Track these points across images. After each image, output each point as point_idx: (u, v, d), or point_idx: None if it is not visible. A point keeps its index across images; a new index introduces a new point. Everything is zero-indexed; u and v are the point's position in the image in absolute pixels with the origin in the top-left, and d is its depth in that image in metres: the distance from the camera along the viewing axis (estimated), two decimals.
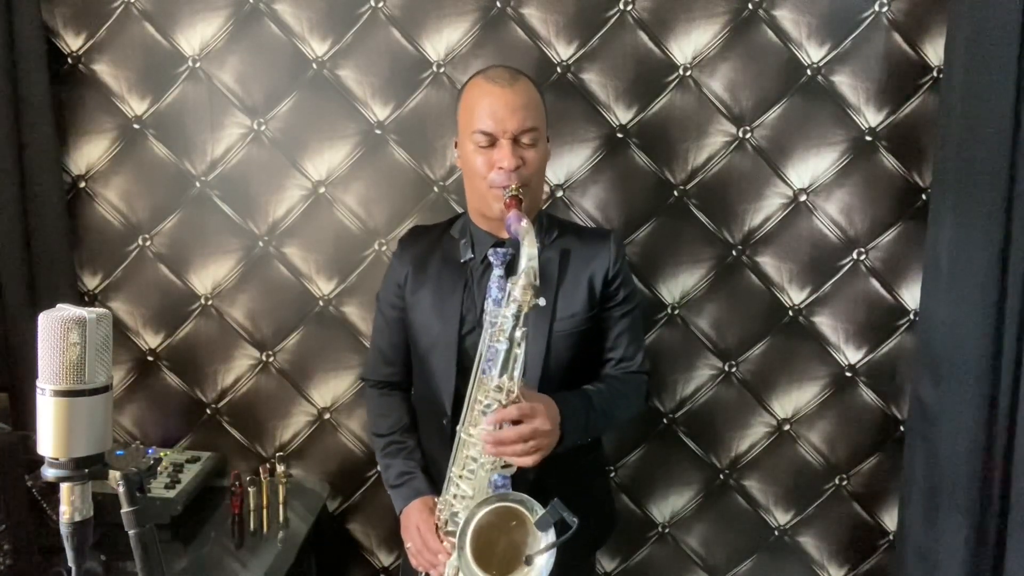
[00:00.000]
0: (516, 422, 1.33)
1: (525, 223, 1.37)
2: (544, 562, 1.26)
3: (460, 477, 1.41)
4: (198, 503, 1.83)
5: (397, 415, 1.66)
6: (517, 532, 1.29)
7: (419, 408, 1.67)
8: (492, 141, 1.46)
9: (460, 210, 1.93)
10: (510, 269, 1.51)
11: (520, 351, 1.33)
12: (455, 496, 1.42)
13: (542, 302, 1.33)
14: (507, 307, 1.33)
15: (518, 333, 1.32)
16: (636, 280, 1.98)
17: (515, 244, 1.46)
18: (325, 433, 2.07)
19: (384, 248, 1.98)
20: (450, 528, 1.42)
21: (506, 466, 1.37)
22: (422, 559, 1.48)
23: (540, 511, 1.26)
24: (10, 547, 1.49)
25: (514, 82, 1.48)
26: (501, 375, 1.33)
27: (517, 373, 1.34)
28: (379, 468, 1.68)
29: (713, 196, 1.96)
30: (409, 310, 1.61)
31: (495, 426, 1.33)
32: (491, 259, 1.54)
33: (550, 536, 1.25)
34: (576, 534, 1.20)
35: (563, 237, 1.60)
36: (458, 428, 1.41)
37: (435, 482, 1.53)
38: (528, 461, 1.34)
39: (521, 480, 1.42)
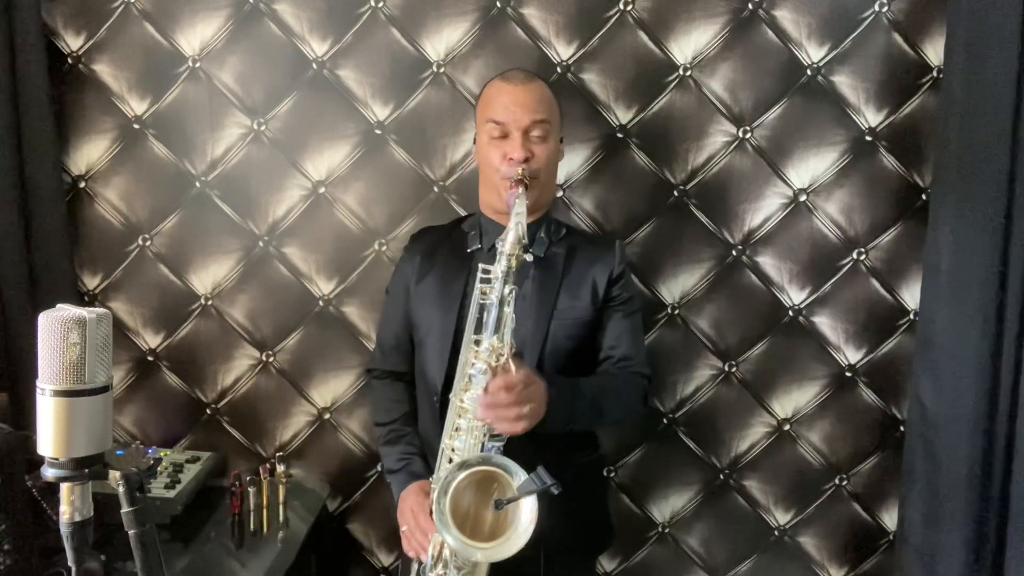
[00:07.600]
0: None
1: (521, 190, 1.44)
2: (528, 520, 1.25)
3: (452, 449, 1.42)
4: (198, 503, 1.83)
5: (399, 405, 1.70)
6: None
7: (416, 390, 1.69)
8: (504, 133, 1.53)
9: (460, 210, 1.94)
10: None
11: (510, 310, 1.36)
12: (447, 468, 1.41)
13: (529, 257, 1.41)
14: (497, 263, 1.38)
15: (507, 290, 1.36)
16: (636, 280, 1.99)
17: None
18: (325, 433, 2.07)
19: (384, 248, 1.98)
20: None
21: (496, 435, 1.37)
22: (414, 541, 1.47)
23: (523, 476, 1.25)
24: (10, 547, 1.49)
25: (528, 81, 1.57)
26: (492, 335, 1.36)
27: (507, 336, 1.36)
28: (381, 457, 1.71)
29: (713, 196, 1.96)
30: (413, 300, 1.65)
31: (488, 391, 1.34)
32: (498, 246, 1.48)
33: (533, 502, 1.24)
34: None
35: (570, 236, 1.65)
36: (451, 396, 1.43)
37: (432, 468, 1.51)
38: (518, 428, 1.33)
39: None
